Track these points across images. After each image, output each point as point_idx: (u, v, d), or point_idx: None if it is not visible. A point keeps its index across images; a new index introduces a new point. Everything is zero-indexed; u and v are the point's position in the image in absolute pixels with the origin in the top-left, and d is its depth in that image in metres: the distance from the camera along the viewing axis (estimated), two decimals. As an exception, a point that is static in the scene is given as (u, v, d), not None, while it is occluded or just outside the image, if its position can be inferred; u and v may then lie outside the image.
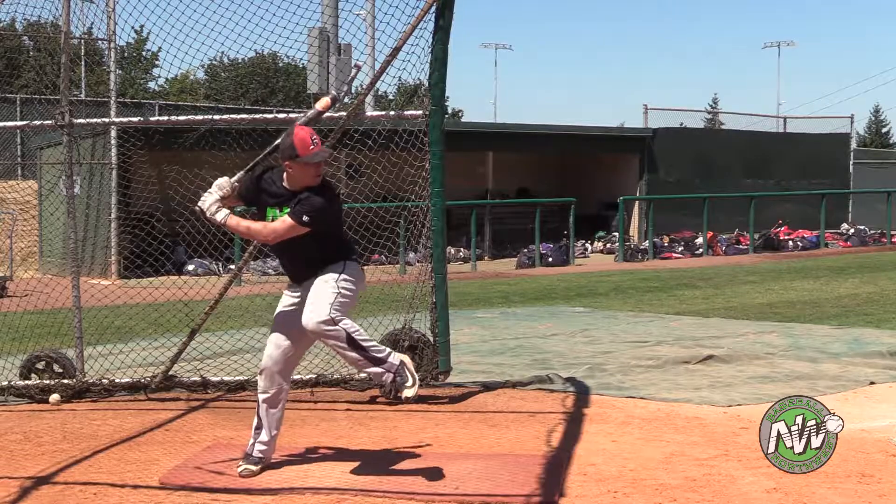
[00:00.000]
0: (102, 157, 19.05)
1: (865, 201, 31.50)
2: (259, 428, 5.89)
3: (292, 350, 5.83)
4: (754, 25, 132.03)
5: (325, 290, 5.58)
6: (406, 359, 5.66)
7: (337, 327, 5.50)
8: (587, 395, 7.93)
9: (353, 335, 5.52)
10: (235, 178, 5.86)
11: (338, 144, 7.97)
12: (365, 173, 9.03)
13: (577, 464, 5.94)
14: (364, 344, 5.55)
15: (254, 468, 5.79)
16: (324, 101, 6.23)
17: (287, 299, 5.88)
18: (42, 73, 9.40)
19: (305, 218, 5.54)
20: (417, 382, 5.61)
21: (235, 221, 5.71)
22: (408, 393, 5.57)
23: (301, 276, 5.78)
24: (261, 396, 5.89)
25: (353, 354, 5.54)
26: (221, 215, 5.70)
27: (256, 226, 5.75)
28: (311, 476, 5.71)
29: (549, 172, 28.15)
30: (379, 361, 5.56)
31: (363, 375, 5.87)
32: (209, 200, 5.75)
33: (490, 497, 5.35)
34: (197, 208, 5.79)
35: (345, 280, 5.64)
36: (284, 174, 5.70)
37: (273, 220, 5.69)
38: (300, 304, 5.70)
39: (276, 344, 5.81)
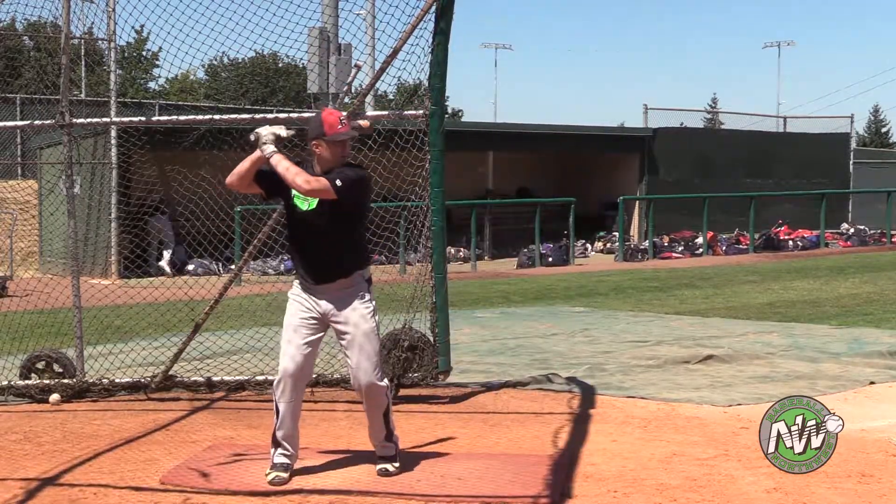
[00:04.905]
0: (103, 157, 19.05)
1: (865, 201, 31.50)
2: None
3: (311, 357, 5.78)
4: (754, 25, 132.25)
5: (372, 339, 5.65)
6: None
7: (386, 397, 5.76)
8: (587, 395, 7.93)
9: (390, 407, 5.80)
10: (289, 133, 5.78)
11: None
12: (365, 173, 9.01)
13: (578, 463, 5.94)
14: (391, 417, 5.80)
15: (284, 475, 5.68)
16: (364, 123, 6.23)
17: (301, 309, 5.69)
18: (42, 73, 9.41)
19: (339, 183, 5.49)
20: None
21: (279, 158, 5.62)
22: (392, 469, 5.73)
23: (323, 276, 5.64)
24: (283, 403, 5.71)
25: (381, 422, 5.76)
26: (271, 149, 5.61)
27: (297, 169, 5.57)
28: (311, 476, 5.71)
29: (549, 172, 28.14)
30: (392, 436, 5.82)
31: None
32: (268, 130, 5.67)
33: (490, 498, 5.35)
34: (252, 135, 5.69)
35: (375, 313, 5.74)
36: (315, 161, 5.71)
37: (301, 208, 5.66)
38: (320, 315, 5.67)
39: (298, 350, 5.66)
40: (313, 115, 5.82)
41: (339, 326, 5.67)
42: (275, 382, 5.75)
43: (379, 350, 5.71)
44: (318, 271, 5.67)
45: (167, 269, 19.30)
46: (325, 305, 5.66)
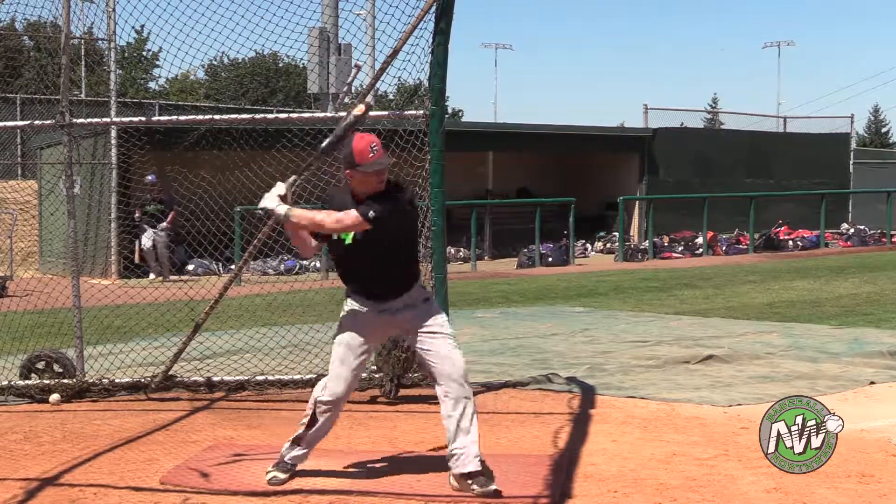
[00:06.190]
0: (103, 157, 19.05)
1: (865, 201, 31.49)
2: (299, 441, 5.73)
3: (360, 376, 5.75)
4: (754, 25, 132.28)
5: (457, 348, 5.49)
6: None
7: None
8: (587, 395, 7.94)
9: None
10: (290, 180, 5.63)
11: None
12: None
13: (578, 463, 5.94)
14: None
15: (283, 475, 5.66)
16: (360, 108, 5.99)
17: (360, 329, 5.54)
18: (42, 73, 9.41)
19: (372, 214, 5.31)
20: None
21: (300, 212, 5.46)
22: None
23: (387, 294, 5.51)
24: (325, 417, 5.65)
25: (475, 424, 5.44)
26: (284, 209, 5.43)
27: (321, 214, 5.45)
28: (311, 476, 5.71)
29: (549, 172, 28.13)
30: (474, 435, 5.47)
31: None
32: (271, 201, 5.48)
33: (490, 498, 5.34)
34: (260, 209, 5.55)
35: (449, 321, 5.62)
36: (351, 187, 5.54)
37: (345, 240, 5.48)
38: (385, 329, 5.66)
39: (353, 371, 5.57)
40: (348, 140, 5.58)
41: (423, 330, 5.49)
42: (319, 398, 5.60)
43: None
44: (382, 291, 5.54)
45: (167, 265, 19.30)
46: (401, 317, 5.55)
